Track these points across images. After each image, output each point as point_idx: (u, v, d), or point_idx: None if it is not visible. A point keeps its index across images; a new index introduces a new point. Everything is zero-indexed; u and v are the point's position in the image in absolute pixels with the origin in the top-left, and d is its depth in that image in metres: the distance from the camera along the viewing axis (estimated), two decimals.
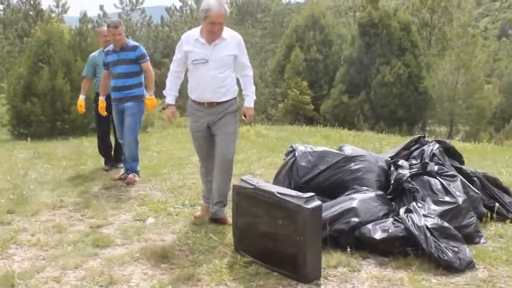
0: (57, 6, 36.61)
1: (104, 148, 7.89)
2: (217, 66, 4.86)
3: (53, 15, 33.20)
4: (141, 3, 41.37)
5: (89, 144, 10.40)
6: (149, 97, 6.87)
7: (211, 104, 4.95)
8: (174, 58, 5.12)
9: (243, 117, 5.13)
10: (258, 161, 8.28)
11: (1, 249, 4.52)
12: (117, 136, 7.21)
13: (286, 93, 27.14)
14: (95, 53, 7.86)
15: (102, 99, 7.15)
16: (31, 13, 37.91)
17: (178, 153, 9.02)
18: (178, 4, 43.41)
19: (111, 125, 7.64)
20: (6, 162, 8.71)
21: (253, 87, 5.11)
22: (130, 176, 6.85)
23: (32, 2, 38.00)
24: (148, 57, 6.88)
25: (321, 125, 18.19)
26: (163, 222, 5.18)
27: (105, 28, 7.67)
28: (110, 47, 6.90)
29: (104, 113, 7.19)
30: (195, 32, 4.97)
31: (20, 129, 14.49)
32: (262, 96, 29.17)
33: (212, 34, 4.81)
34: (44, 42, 14.92)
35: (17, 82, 14.95)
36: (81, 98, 7.79)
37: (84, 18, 25.74)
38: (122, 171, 7.15)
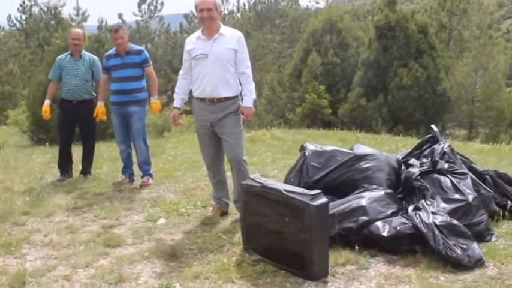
0: (77, 15, 37.16)
1: (64, 160, 7.52)
2: (217, 60, 4.93)
3: (73, 23, 33.62)
4: (159, 10, 41.84)
5: (106, 148, 10.49)
6: (154, 101, 6.94)
7: (212, 101, 5.02)
8: (183, 63, 5.25)
9: (241, 116, 5.08)
10: (272, 163, 8.29)
11: (14, 249, 4.61)
12: (118, 140, 7.04)
13: (303, 97, 27.04)
14: (62, 56, 7.37)
15: (101, 105, 7.02)
16: (52, 22, 38.52)
17: (193, 157, 9.05)
18: None
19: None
20: (24, 167, 8.84)
21: (252, 86, 5.04)
22: (144, 179, 6.92)
23: (53, 12, 38.63)
24: (151, 62, 6.92)
25: (339, 129, 18.12)
26: (174, 223, 5.24)
27: (74, 30, 7.55)
28: (111, 51, 6.88)
29: (105, 118, 7.16)
30: (197, 32, 5.16)
31: (39, 134, 14.62)
32: (280, 100, 29.15)
33: (204, 24, 4.96)
34: (63, 49, 15.02)
35: (36, 89, 15.09)
36: (46, 103, 7.41)
37: (102, 26, 26.00)
38: (121, 175, 7.12)
